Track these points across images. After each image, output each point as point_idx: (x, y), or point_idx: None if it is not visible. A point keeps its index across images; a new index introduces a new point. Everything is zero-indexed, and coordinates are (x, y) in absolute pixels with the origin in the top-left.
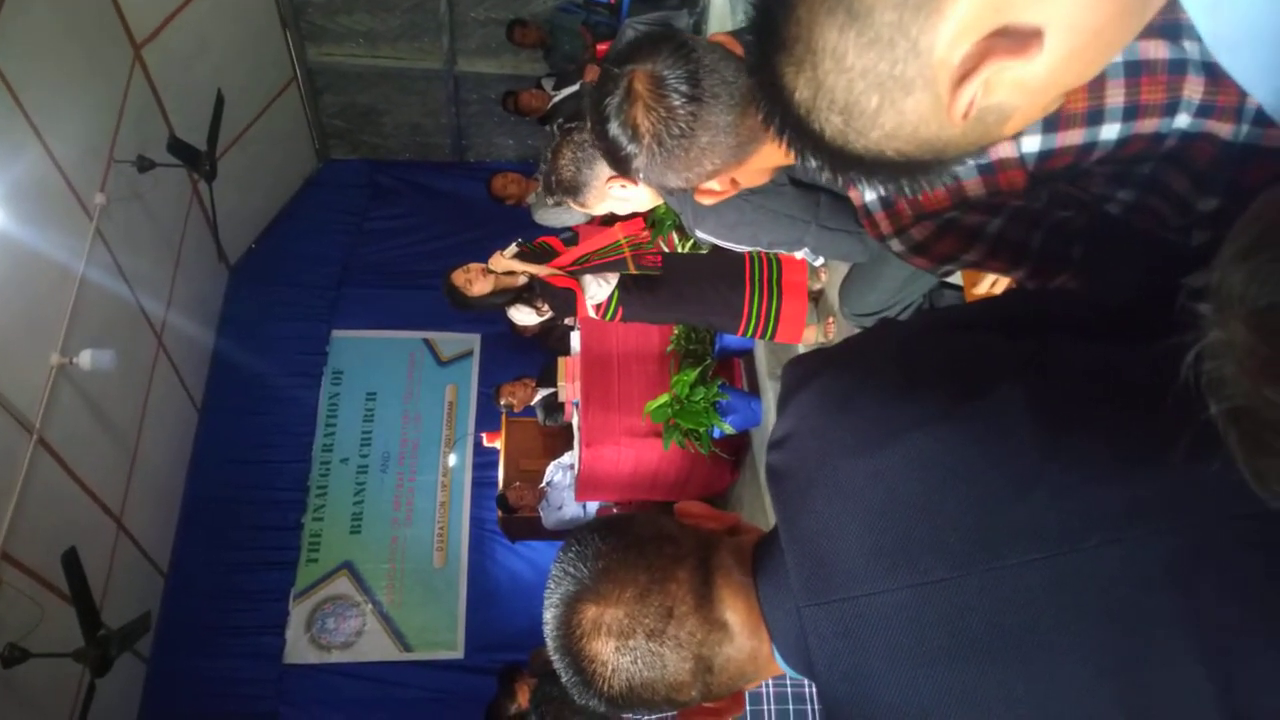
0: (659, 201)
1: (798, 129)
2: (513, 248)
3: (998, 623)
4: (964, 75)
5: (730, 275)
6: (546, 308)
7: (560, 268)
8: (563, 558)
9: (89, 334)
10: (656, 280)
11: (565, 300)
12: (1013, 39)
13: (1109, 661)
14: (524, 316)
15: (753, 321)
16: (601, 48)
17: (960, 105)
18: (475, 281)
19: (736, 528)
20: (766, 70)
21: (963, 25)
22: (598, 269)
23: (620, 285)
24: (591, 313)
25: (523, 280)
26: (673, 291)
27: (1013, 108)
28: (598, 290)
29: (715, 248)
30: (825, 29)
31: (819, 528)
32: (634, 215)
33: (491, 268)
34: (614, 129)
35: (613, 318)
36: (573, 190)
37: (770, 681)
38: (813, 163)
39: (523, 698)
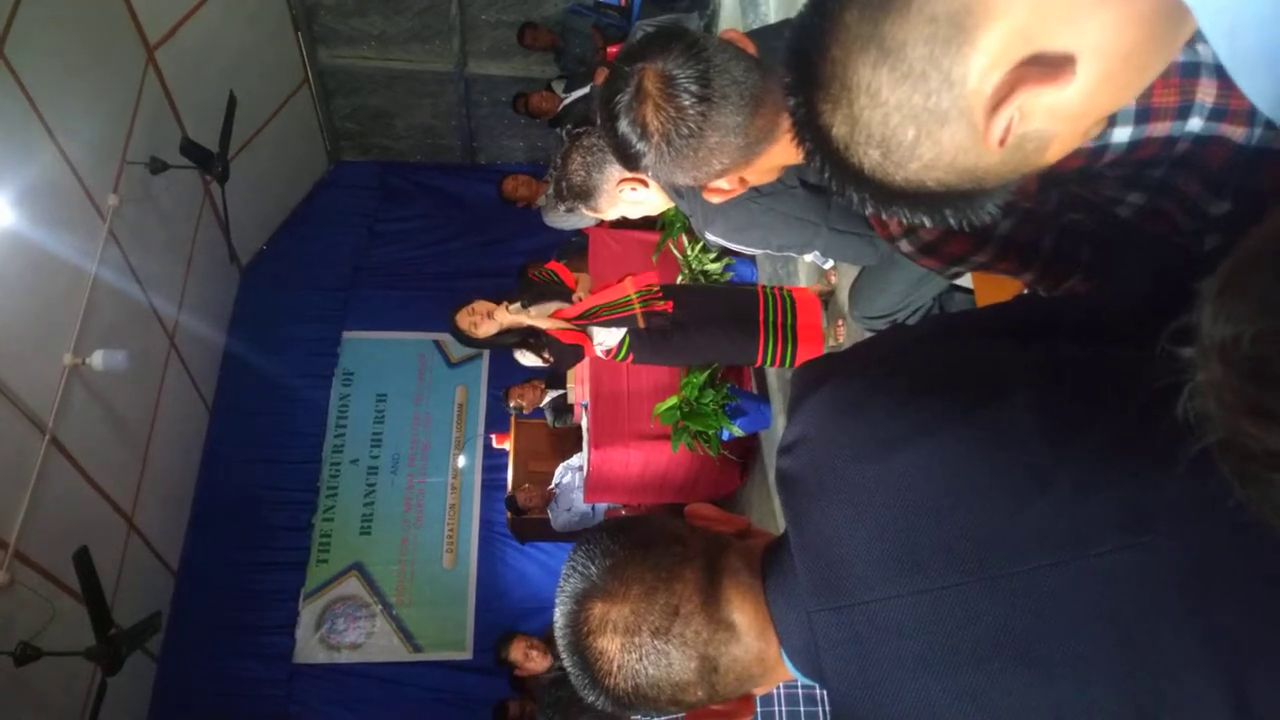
0: (671, 204)
1: (837, 164)
2: (517, 305)
3: (1009, 628)
4: (997, 103)
5: (744, 320)
6: (551, 358)
7: (568, 319)
8: (573, 557)
9: (101, 334)
10: (668, 329)
11: (571, 354)
12: (1044, 66)
13: (1120, 667)
14: (529, 361)
15: (768, 363)
16: (612, 50)
17: (995, 133)
18: (480, 325)
19: (747, 531)
20: (804, 108)
21: (994, 55)
22: (606, 324)
23: (631, 331)
24: (601, 355)
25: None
26: (684, 339)
27: (1051, 134)
28: (608, 337)
29: (726, 285)
30: (859, 66)
31: (829, 533)
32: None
33: (496, 318)
34: (623, 126)
35: (623, 360)
36: (584, 195)
37: (781, 682)
38: (855, 197)
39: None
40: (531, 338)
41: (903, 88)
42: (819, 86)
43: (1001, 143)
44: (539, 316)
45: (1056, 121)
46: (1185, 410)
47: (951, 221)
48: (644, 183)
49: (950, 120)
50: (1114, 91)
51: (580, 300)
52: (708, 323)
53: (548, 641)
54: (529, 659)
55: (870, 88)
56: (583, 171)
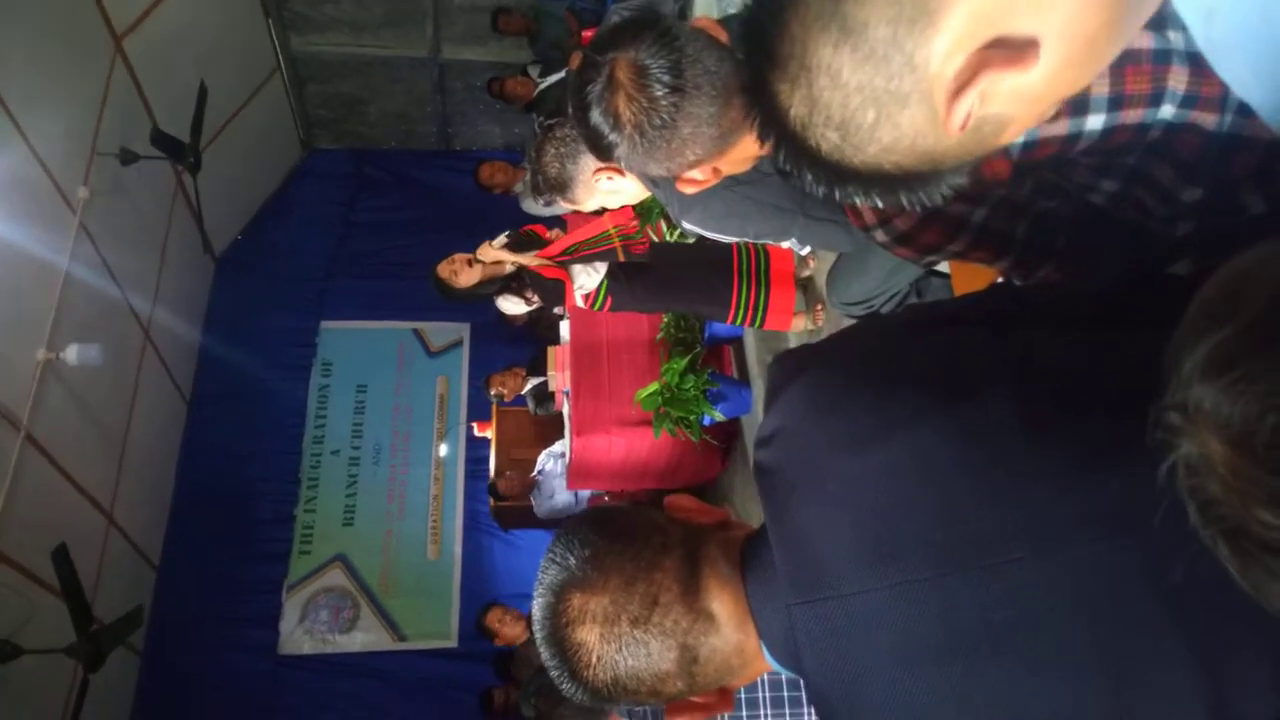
0: (649, 193)
1: (793, 145)
2: (501, 238)
3: (986, 620)
4: (960, 87)
5: (719, 265)
6: (535, 297)
7: (549, 257)
8: (552, 548)
9: (75, 328)
10: (645, 270)
11: (554, 290)
12: (1008, 50)
13: (1096, 661)
14: (512, 306)
15: (741, 311)
16: (587, 34)
17: (957, 118)
18: (461, 273)
19: (726, 523)
20: (760, 87)
21: (957, 38)
22: (587, 259)
23: (609, 274)
24: (580, 302)
25: (510, 269)
26: (661, 281)
27: (1009, 117)
28: (587, 280)
29: (703, 236)
30: (819, 45)
31: (807, 525)
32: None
33: (479, 258)
34: (595, 117)
35: (601, 307)
36: (560, 187)
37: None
38: (809, 178)
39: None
40: (514, 282)
41: (864, 69)
42: (776, 65)
43: (962, 127)
44: (521, 255)
45: (1016, 105)
46: (1181, 485)
47: (905, 203)
48: (620, 172)
49: (911, 103)
50: (1076, 75)
51: (561, 239)
52: (684, 265)
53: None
54: (503, 624)
55: (831, 68)
56: (557, 164)
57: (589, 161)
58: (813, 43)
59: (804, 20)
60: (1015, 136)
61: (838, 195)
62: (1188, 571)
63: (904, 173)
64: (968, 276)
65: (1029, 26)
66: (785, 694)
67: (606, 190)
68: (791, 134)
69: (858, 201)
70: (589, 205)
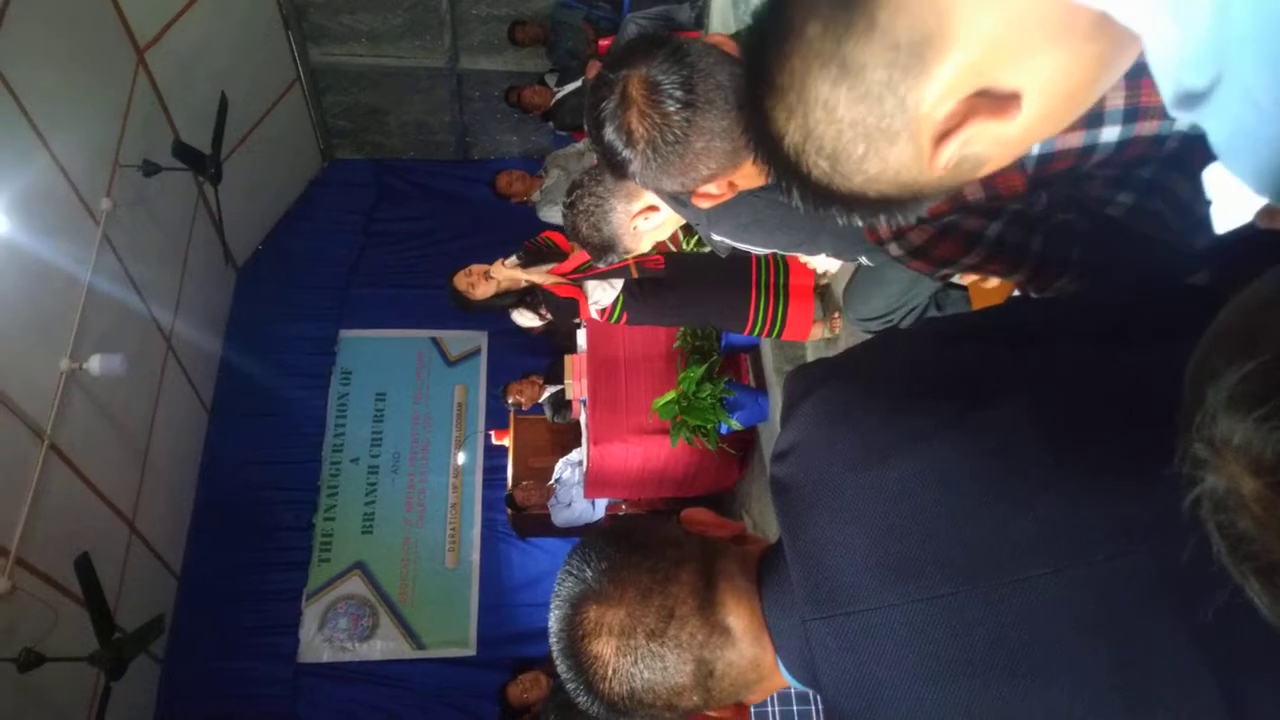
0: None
1: (785, 167)
2: (513, 258)
3: (1004, 636)
4: (948, 131)
5: (736, 278)
6: (548, 314)
7: (563, 274)
8: (569, 561)
9: (98, 339)
10: (662, 286)
11: (567, 308)
12: (993, 100)
13: (1114, 676)
14: (526, 320)
15: (759, 324)
16: (604, 43)
17: (943, 159)
18: (478, 285)
19: (742, 536)
20: (757, 110)
21: (947, 86)
22: (602, 275)
23: (626, 290)
24: (595, 316)
25: (526, 283)
26: (678, 296)
27: (986, 157)
28: (603, 295)
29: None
30: (818, 81)
31: (823, 541)
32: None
33: (493, 274)
34: (609, 134)
35: (617, 321)
36: (609, 248)
37: None
38: (796, 197)
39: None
40: (528, 296)
41: (859, 107)
42: (775, 93)
43: (945, 166)
44: (534, 272)
45: (994, 147)
46: (1206, 519)
47: (884, 223)
48: (654, 208)
49: (899, 141)
50: (1051, 125)
51: (575, 255)
52: (700, 279)
53: (546, 660)
54: (526, 691)
55: (828, 103)
56: (594, 232)
57: (621, 215)
58: (812, 78)
59: (805, 57)
60: (991, 171)
61: (821, 215)
62: (1206, 586)
63: (885, 199)
64: (985, 290)
65: (1014, 81)
66: (795, 708)
67: (650, 229)
68: (784, 157)
69: (839, 221)
70: (645, 247)
